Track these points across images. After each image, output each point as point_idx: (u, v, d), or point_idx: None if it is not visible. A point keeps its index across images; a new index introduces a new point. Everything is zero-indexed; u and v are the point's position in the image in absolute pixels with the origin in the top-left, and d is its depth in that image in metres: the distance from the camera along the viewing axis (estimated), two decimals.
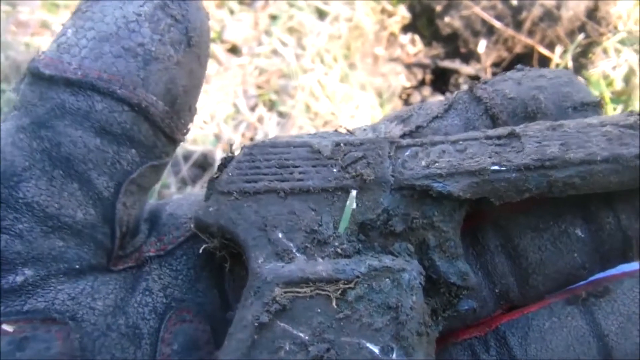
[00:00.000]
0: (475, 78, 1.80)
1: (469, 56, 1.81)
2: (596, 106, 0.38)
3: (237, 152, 0.37)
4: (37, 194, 0.33)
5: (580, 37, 1.68)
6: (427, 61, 1.83)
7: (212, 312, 0.37)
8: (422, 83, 1.86)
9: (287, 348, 0.31)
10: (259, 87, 1.68)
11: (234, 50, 1.71)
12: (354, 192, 0.34)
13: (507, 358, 0.36)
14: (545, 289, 0.38)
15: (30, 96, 0.34)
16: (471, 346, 0.37)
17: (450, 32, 1.80)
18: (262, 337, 0.31)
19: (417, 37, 1.84)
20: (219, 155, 1.53)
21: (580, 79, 0.40)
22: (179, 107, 0.36)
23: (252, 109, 1.66)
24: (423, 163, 0.35)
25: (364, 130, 0.40)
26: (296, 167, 0.35)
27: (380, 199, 0.35)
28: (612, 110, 1.55)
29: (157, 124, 0.35)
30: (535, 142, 0.35)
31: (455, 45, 1.82)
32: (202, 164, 1.56)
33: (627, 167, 0.34)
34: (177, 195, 1.44)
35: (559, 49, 1.70)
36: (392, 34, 1.84)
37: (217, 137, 1.59)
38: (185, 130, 0.38)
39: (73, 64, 0.33)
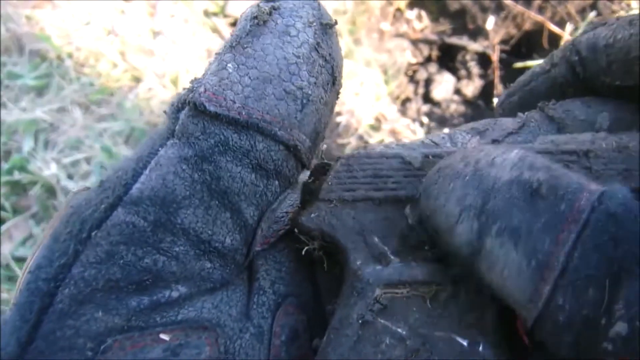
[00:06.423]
0: (482, 55, 1.77)
1: (477, 33, 1.78)
2: None
3: (329, 159, 0.40)
4: (194, 221, 0.34)
5: (592, 14, 1.64)
6: (433, 37, 1.80)
7: (307, 302, 0.40)
8: (428, 59, 1.83)
9: (388, 342, 0.34)
10: None
11: (236, 24, 1.68)
12: None
13: None
14: None
15: (192, 129, 0.34)
16: None
17: (458, 7, 1.77)
18: (366, 332, 0.35)
19: (423, 13, 1.81)
20: None
21: None
22: (319, 141, 0.39)
23: None
24: None
25: (443, 138, 0.43)
26: (389, 177, 0.39)
27: None
28: None
29: (302, 160, 0.37)
30: (602, 163, 0.38)
31: (462, 21, 1.79)
32: None
33: None
34: None
35: (569, 27, 1.66)
36: (399, 9, 1.81)
37: None
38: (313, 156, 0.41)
39: (237, 102, 0.34)
